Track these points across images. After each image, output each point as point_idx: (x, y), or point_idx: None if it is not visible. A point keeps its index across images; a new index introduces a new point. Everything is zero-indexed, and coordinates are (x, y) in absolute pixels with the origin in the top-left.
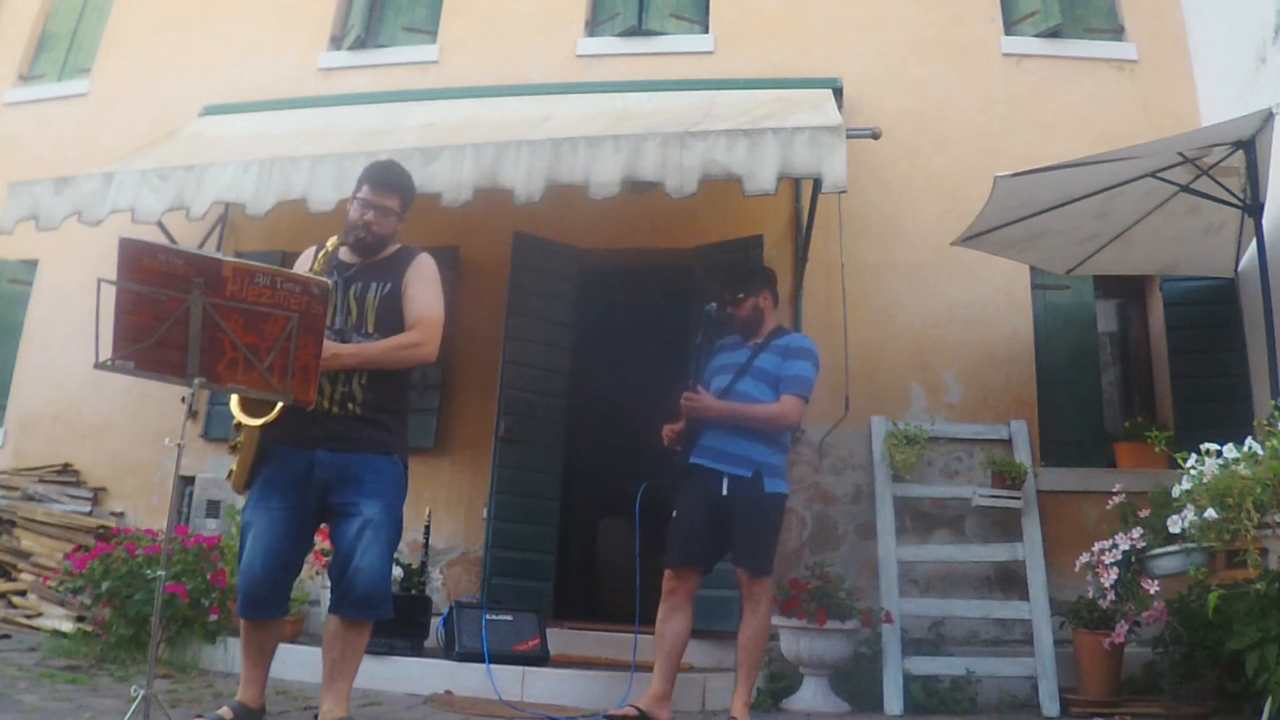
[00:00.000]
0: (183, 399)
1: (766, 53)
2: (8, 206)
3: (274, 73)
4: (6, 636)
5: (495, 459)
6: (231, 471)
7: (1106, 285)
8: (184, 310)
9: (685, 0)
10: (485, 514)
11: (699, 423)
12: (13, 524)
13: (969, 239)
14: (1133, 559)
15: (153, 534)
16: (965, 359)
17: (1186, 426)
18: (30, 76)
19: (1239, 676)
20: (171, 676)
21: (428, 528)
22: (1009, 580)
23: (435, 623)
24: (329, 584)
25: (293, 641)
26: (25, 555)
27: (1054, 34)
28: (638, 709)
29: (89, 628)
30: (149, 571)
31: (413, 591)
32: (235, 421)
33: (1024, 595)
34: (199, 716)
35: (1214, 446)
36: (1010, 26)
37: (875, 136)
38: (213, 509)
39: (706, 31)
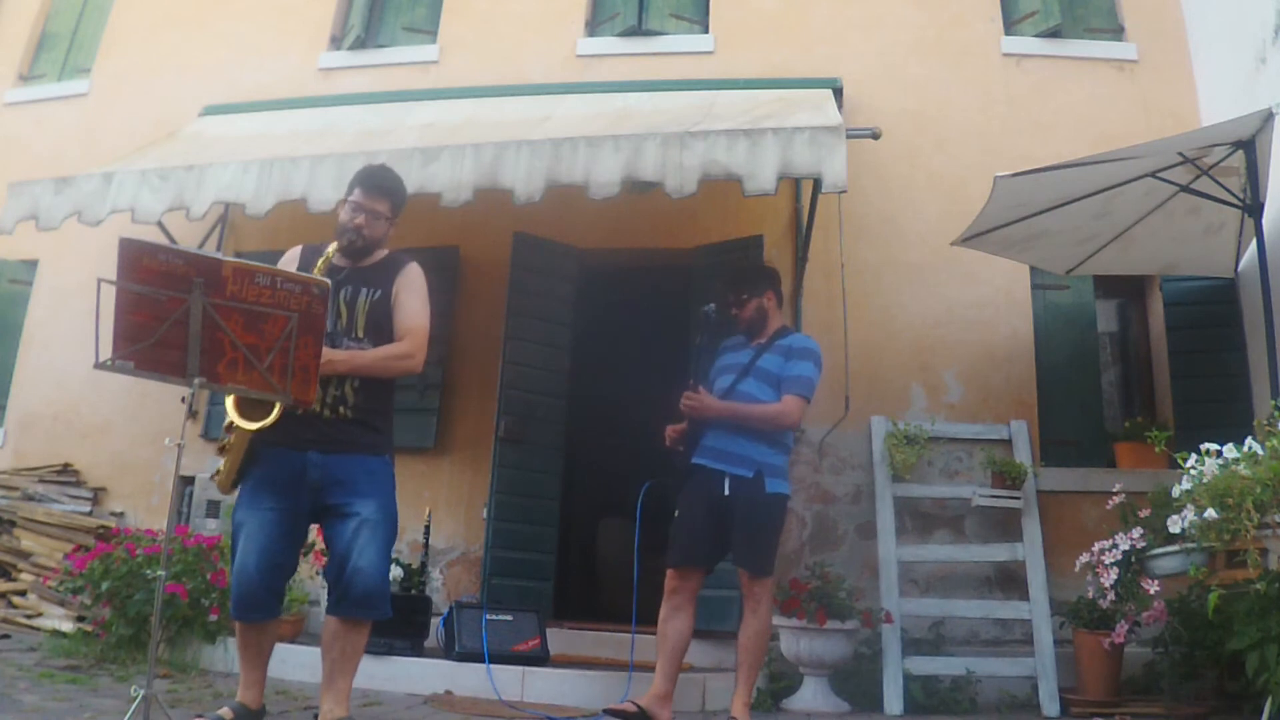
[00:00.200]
0: (183, 399)
1: (766, 53)
2: (8, 206)
3: (274, 73)
4: (6, 636)
5: (495, 459)
6: (218, 471)
7: (1106, 285)
8: (184, 310)
9: (685, 0)
10: (485, 514)
11: (701, 423)
12: (13, 524)
13: (969, 239)
14: (1133, 559)
15: (153, 534)
16: (965, 359)
17: (1186, 426)
18: (30, 76)
19: (1239, 676)
20: (171, 676)
21: (428, 528)
22: (1009, 580)
23: (435, 623)
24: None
25: (292, 641)
26: (25, 555)
27: (1054, 34)
28: (637, 705)
29: (89, 628)
30: (149, 571)
31: (413, 591)
32: (227, 422)
33: (1024, 595)
34: (199, 716)
35: (1214, 446)
36: (1010, 26)
37: (875, 136)
38: (213, 509)
39: (706, 31)
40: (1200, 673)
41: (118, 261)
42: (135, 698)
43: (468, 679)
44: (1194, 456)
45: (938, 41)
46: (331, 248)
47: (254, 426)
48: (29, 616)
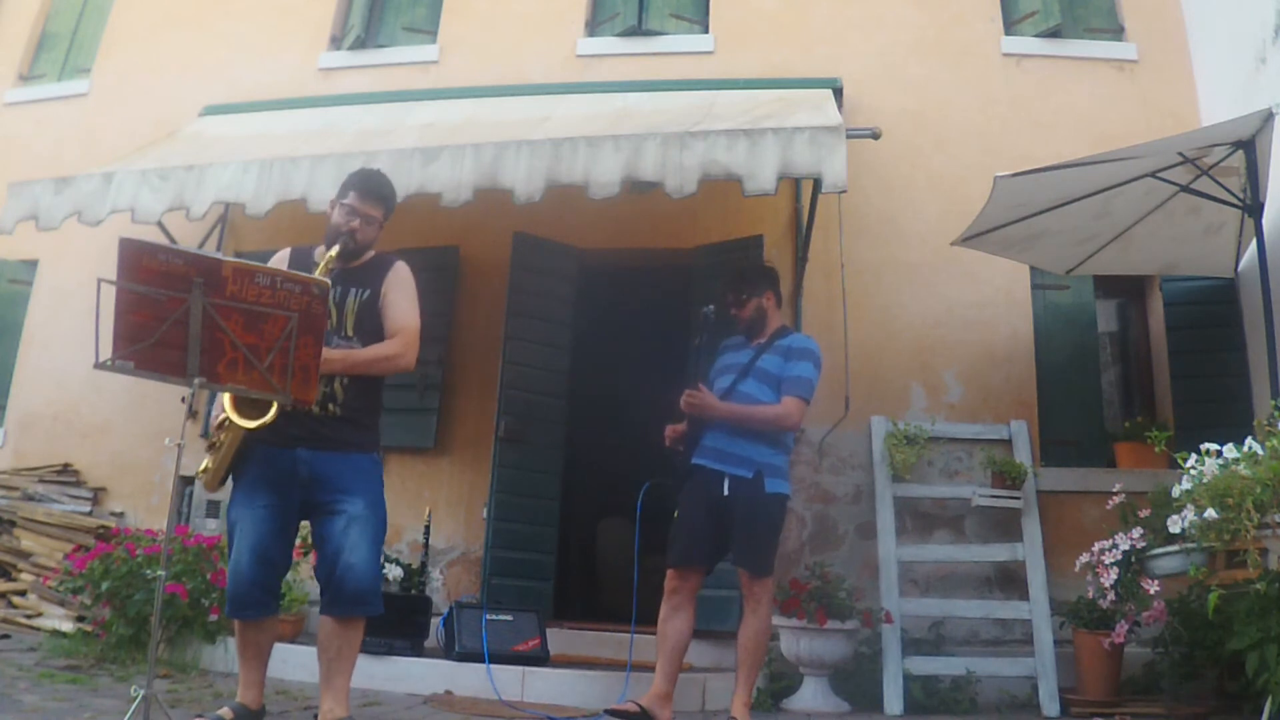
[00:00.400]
0: (183, 399)
1: (766, 53)
2: (8, 206)
3: (274, 73)
4: (6, 636)
5: (495, 459)
6: (206, 468)
7: (1106, 285)
8: (184, 310)
9: (685, 0)
10: (485, 514)
11: (701, 423)
12: (13, 524)
13: (969, 239)
14: (1133, 559)
15: (153, 534)
16: (965, 359)
17: (1186, 426)
18: (30, 76)
19: (1239, 676)
20: (171, 676)
21: (428, 528)
22: (1009, 580)
23: (435, 623)
24: None
25: (292, 641)
26: (25, 555)
27: (1054, 34)
28: (639, 705)
29: (89, 628)
30: (149, 571)
31: (413, 591)
32: (219, 419)
33: (1024, 595)
34: (199, 716)
35: (1214, 446)
36: (1010, 26)
37: (875, 136)
38: (213, 509)
39: (706, 31)
40: (1200, 673)
41: (118, 261)
42: (135, 698)
43: (468, 679)
44: (1194, 456)
45: (938, 41)
46: (334, 250)
47: (252, 425)
48: (29, 616)
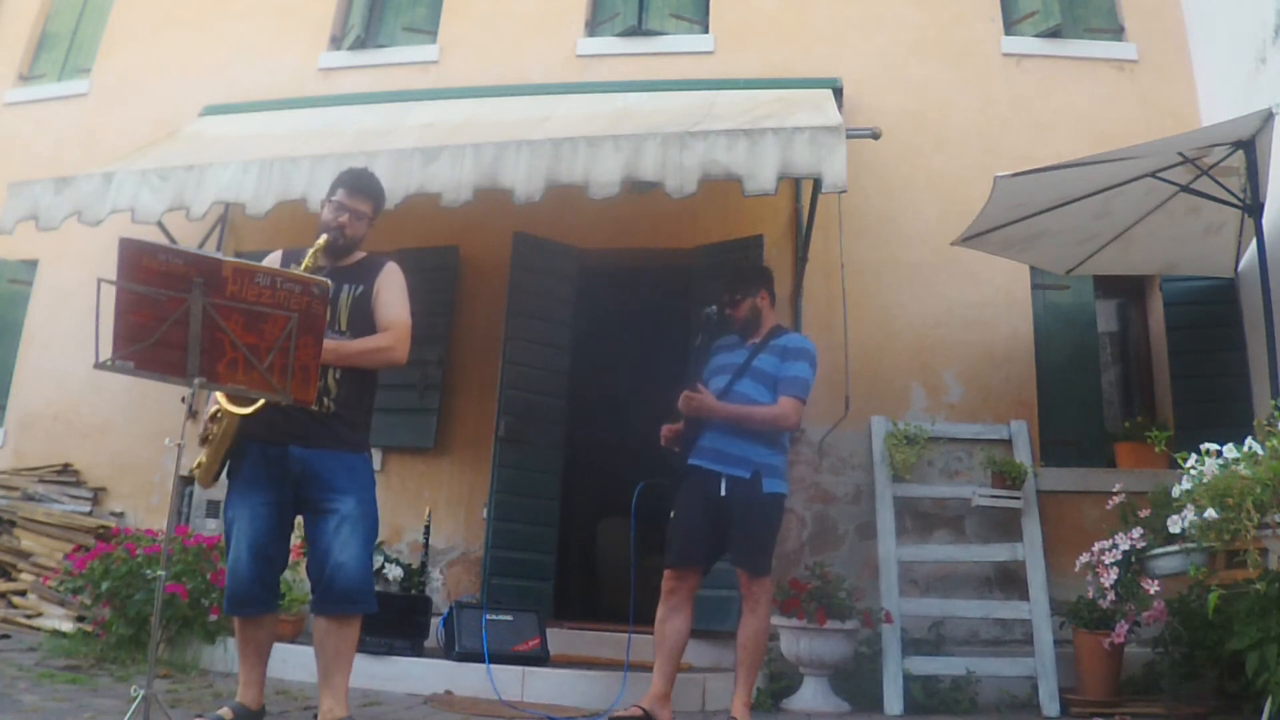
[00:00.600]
0: (183, 399)
1: (766, 53)
2: (8, 206)
3: (274, 73)
4: (6, 636)
5: (495, 459)
6: (199, 464)
7: (1106, 285)
8: (184, 310)
9: (685, 0)
10: (485, 514)
11: (698, 423)
12: (13, 524)
13: (969, 239)
14: (1133, 559)
15: (153, 534)
16: (965, 359)
17: (1186, 426)
18: (30, 76)
19: (1239, 676)
20: (171, 676)
21: (428, 528)
22: (1009, 580)
23: (435, 623)
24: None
25: (292, 641)
26: (25, 555)
27: (1054, 34)
28: (643, 709)
29: (89, 628)
30: (149, 571)
31: (413, 591)
32: (211, 413)
33: (1024, 595)
34: (199, 716)
35: (1214, 446)
36: (1010, 26)
37: (875, 136)
38: (212, 509)
39: (706, 31)
40: (1200, 673)
41: (118, 261)
42: (135, 698)
43: (468, 679)
44: (1194, 456)
45: (938, 41)
46: (321, 241)
47: (246, 411)
48: (29, 616)
